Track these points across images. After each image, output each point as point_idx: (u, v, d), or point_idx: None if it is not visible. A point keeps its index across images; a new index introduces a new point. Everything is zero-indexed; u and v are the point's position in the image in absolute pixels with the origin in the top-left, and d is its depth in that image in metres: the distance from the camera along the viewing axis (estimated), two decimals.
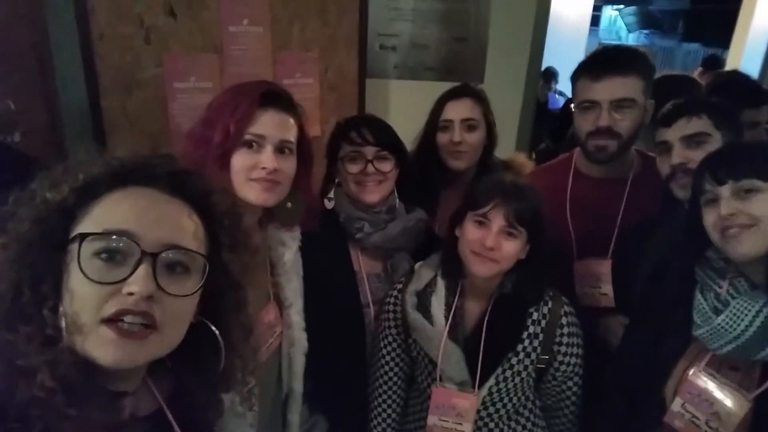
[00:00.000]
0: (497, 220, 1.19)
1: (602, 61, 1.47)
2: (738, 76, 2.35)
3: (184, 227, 0.71)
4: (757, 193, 0.99)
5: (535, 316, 1.27)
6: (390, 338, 1.38)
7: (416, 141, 1.77)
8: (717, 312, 1.03)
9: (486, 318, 1.26)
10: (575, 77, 1.52)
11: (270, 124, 1.10)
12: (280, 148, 1.11)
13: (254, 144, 1.09)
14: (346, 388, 1.42)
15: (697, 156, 1.19)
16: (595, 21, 8.90)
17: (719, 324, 1.01)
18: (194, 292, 0.70)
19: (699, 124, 1.28)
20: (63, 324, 0.63)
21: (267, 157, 1.09)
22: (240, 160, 1.09)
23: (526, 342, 1.26)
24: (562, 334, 1.28)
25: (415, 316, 1.29)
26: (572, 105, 1.59)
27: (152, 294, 0.64)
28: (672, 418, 1.11)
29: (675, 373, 1.13)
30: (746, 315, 0.98)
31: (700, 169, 1.08)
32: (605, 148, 1.47)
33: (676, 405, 1.11)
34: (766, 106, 1.96)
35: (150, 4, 1.82)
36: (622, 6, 11.17)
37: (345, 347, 1.41)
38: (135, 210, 0.67)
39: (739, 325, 0.98)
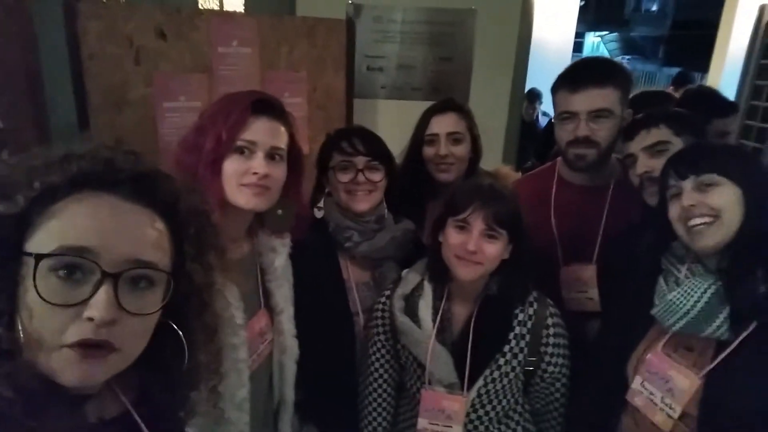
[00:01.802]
0: (477, 224, 1.22)
1: (580, 73, 1.52)
2: (706, 90, 2.45)
3: (147, 238, 0.67)
4: (716, 187, 1.07)
5: (520, 317, 1.29)
6: (379, 344, 1.38)
7: (403, 154, 1.80)
8: (672, 292, 1.11)
9: (473, 320, 1.28)
10: (555, 89, 1.56)
11: (261, 131, 1.12)
12: (271, 155, 1.13)
13: (246, 150, 1.11)
14: (337, 397, 1.41)
15: (659, 164, 1.25)
16: (578, 47, 9.12)
17: (671, 300, 1.09)
18: (157, 310, 0.69)
19: (658, 133, 1.36)
20: (21, 338, 0.60)
21: (258, 163, 1.11)
22: (231, 165, 1.11)
23: (513, 343, 1.27)
24: (548, 335, 1.30)
25: (402, 320, 1.30)
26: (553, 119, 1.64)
27: (114, 318, 0.62)
28: (632, 395, 1.19)
29: (636, 353, 1.21)
30: (695, 292, 1.07)
31: (666, 166, 1.16)
32: (584, 157, 1.52)
33: (635, 383, 1.19)
34: (734, 116, 2.05)
35: (140, 25, 1.86)
36: (604, 33, 11.49)
37: (335, 356, 1.42)
38: (95, 223, 0.64)
39: (689, 300, 1.07)
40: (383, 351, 1.38)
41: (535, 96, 5.38)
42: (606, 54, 10.98)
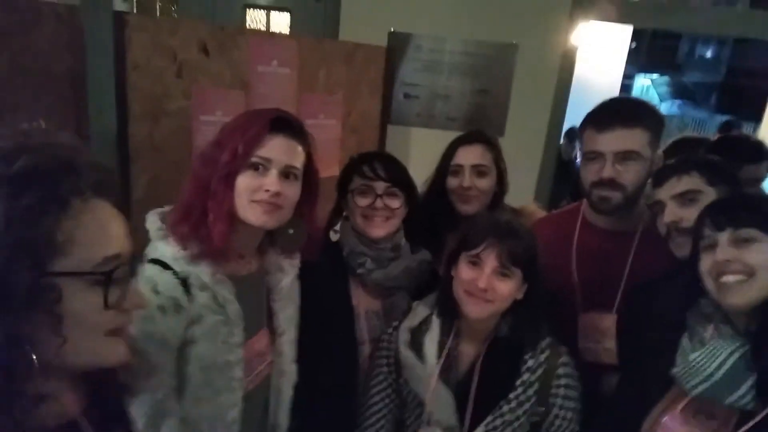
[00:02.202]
0: (490, 261, 1.17)
1: (608, 113, 1.46)
2: (739, 135, 2.37)
3: (126, 232, 0.73)
4: (755, 243, 1.00)
5: (530, 363, 1.23)
6: (381, 377, 1.35)
7: (427, 183, 1.78)
8: (695, 351, 1.03)
9: (479, 361, 1.23)
10: (582, 127, 1.51)
11: (277, 149, 1.12)
12: (285, 173, 1.13)
13: (260, 167, 1.11)
14: (333, 427, 1.38)
15: (689, 214, 1.18)
16: (626, 89, 9.01)
17: (693, 360, 1.02)
18: None
19: (689, 181, 1.28)
20: (34, 357, 0.61)
21: (271, 181, 1.11)
22: (245, 181, 1.11)
23: (520, 390, 1.21)
24: (558, 386, 1.23)
25: (406, 354, 1.26)
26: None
27: None
28: None
29: (651, 415, 1.12)
30: (720, 355, 0.99)
31: (702, 214, 1.09)
32: (609, 200, 1.45)
33: None
34: (766, 162, 1.95)
35: (184, 40, 1.92)
36: (654, 75, 11.31)
37: (336, 383, 1.39)
38: (113, 229, 0.69)
39: (712, 363, 0.99)
40: (385, 384, 1.34)
41: (575, 134, 5.30)
42: (655, 97, 10.78)
